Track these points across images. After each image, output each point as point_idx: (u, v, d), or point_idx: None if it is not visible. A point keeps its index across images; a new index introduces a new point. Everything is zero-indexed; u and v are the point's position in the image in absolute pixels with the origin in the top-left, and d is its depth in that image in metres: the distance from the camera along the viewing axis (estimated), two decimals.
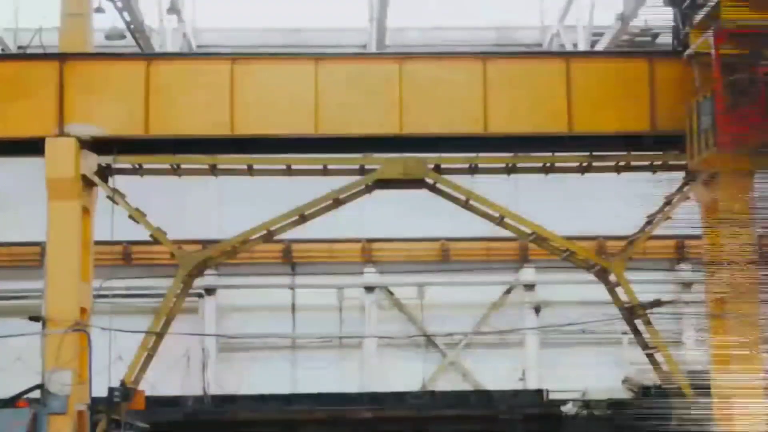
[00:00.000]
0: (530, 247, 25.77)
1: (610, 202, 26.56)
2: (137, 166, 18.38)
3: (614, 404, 22.69)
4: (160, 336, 18.01)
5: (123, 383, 17.56)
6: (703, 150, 16.92)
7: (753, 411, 17.36)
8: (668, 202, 18.63)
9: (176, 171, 18.54)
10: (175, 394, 23.65)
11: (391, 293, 27.79)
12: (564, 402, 22.94)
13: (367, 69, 18.17)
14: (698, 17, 16.67)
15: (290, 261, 27.66)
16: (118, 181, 18.20)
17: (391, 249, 27.56)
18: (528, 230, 18.51)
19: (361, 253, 27.56)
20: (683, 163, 18.60)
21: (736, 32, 16.20)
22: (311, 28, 29.40)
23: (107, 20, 24.99)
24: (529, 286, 27.67)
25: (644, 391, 22.92)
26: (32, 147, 17.71)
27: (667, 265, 27.54)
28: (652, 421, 21.12)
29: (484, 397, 23.09)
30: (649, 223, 18.61)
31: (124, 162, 18.11)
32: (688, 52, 17.13)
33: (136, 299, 26.15)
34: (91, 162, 17.75)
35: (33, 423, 16.74)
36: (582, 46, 27.64)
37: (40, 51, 19.37)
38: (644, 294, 18.54)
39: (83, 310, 17.58)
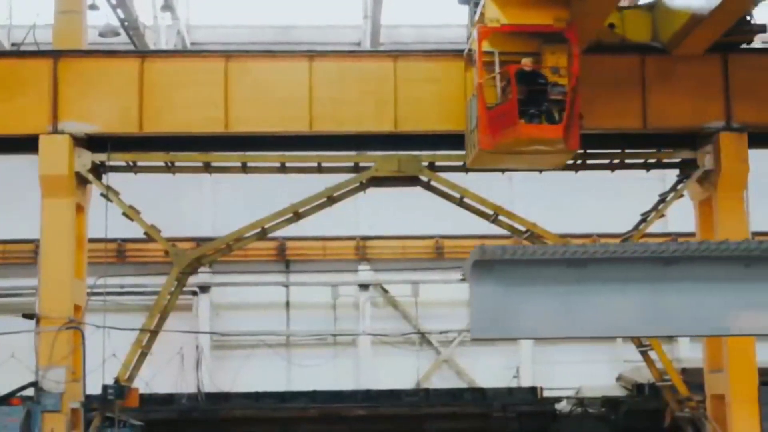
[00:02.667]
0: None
1: (605, 200, 26.63)
2: (131, 164, 18.37)
3: (608, 402, 22.70)
4: (154, 333, 17.99)
5: (117, 381, 17.55)
6: (472, 149, 16.94)
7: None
8: (662, 200, 18.66)
9: (170, 168, 18.52)
10: (170, 392, 23.60)
11: (386, 291, 27.81)
12: (558, 399, 22.95)
13: (362, 66, 18.17)
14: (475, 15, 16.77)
15: (284, 258, 27.66)
16: (112, 179, 18.18)
17: (385, 246, 27.57)
18: (522, 228, 18.52)
19: (356, 250, 27.57)
20: (677, 161, 18.65)
21: (498, 30, 16.21)
22: (305, 26, 29.41)
23: (101, 17, 24.97)
24: None
25: (638, 389, 22.94)
26: (26, 144, 17.69)
27: None
28: (646, 419, 21.23)
29: (478, 394, 23.05)
30: (643, 220, 18.62)
31: (118, 159, 18.09)
32: (466, 50, 17.20)
33: (130, 297, 26.17)
34: (85, 159, 17.74)
35: (27, 420, 16.72)
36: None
37: (34, 48, 19.34)
38: None
39: (77, 308, 17.57)
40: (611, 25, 17.66)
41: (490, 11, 16.22)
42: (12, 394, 17.05)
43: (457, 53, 17.88)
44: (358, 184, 18.46)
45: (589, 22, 16.36)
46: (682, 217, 21.38)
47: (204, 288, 27.48)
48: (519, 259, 13.54)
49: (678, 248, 13.52)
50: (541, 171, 18.51)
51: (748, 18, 17.59)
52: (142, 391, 18.84)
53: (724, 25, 16.96)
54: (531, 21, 16.21)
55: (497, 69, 16.05)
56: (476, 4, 16.67)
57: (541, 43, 16.29)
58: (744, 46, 18.30)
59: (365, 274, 27.66)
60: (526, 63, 16.15)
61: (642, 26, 17.86)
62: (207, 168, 18.62)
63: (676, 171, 18.92)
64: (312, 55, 18.24)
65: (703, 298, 13.42)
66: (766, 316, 13.57)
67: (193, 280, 23.98)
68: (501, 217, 18.60)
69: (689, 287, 13.42)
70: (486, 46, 16.36)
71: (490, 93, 16.21)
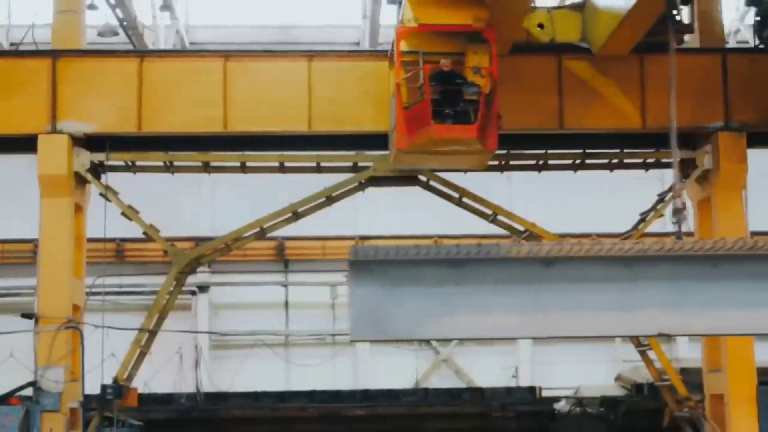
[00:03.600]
0: None
1: (603, 200, 26.64)
2: (130, 163, 18.37)
3: (607, 402, 22.70)
4: (152, 333, 18.00)
5: (116, 380, 17.55)
6: (392, 148, 16.93)
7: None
8: (661, 200, 18.66)
9: (169, 168, 18.52)
10: (168, 392, 23.59)
11: None
12: (557, 399, 22.94)
13: (361, 66, 18.16)
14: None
15: (283, 258, 27.67)
16: (111, 179, 18.18)
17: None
18: (521, 228, 18.53)
19: None
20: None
21: (416, 30, 16.18)
22: (304, 25, 29.43)
23: (100, 17, 24.99)
24: None
25: (637, 389, 22.95)
26: (25, 144, 17.69)
27: None
28: (645, 419, 21.23)
29: (477, 394, 23.02)
30: (642, 220, 18.62)
31: (116, 159, 18.09)
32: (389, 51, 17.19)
33: (129, 296, 26.18)
34: (84, 159, 17.73)
35: (25, 420, 16.71)
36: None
37: (32, 48, 19.33)
38: None
39: (76, 308, 17.56)
40: (540, 25, 17.67)
41: (409, 11, 16.20)
42: (11, 393, 17.04)
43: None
44: (356, 184, 18.46)
45: (507, 22, 16.31)
46: None
47: (203, 288, 27.48)
48: (397, 260, 13.50)
49: (556, 249, 13.44)
50: (465, 171, 18.28)
51: (678, 18, 17.61)
52: (140, 390, 18.85)
53: (644, 26, 16.84)
54: (450, 21, 16.12)
55: (421, 68, 15.89)
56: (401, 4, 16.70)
57: (466, 43, 16.28)
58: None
59: None
60: (445, 63, 16.12)
61: (571, 26, 17.82)
62: (206, 168, 18.62)
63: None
64: (311, 55, 18.23)
65: (583, 298, 13.35)
66: (647, 317, 13.49)
67: (192, 279, 23.99)
68: (500, 217, 18.62)
69: (570, 288, 13.34)
70: (410, 46, 16.34)
71: (413, 93, 16.14)
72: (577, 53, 17.90)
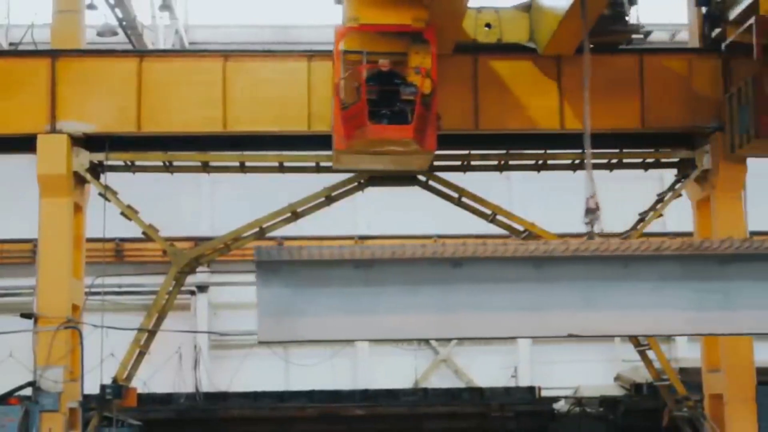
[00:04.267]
0: None
1: (603, 200, 26.60)
2: (129, 163, 18.37)
3: (606, 401, 22.71)
4: (152, 333, 18.00)
5: (115, 380, 17.55)
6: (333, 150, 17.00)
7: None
8: (660, 200, 18.66)
9: (168, 168, 18.52)
10: (168, 392, 23.61)
11: None
12: (556, 399, 22.95)
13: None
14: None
15: None
16: (110, 178, 18.18)
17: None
18: (520, 227, 18.53)
19: None
20: (675, 160, 18.66)
21: (357, 29, 16.28)
22: (304, 25, 29.40)
23: (99, 17, 24.99)
24: None
25: (636, 388, 22.95)
26: (24, 144, 17.68)
27: None
28: (644, 419, 21.23)
29: (476, 394, 23.04)
30: (641, 220, 18.62)
31: (116, 159, 18.09)
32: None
33: (128, 296, 26.16)
34: (83, 159, 17.73)
35: (25, 420, 16.71)
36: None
37: (32, 48, 19.34)
38: None
39: (75, 307, 17.56)
40: (488, 25, 17.69)
41: (349, 10, 16.26)
42: (10, 393, 17.04)
43: (457, 53, 17.90)
44: (356, 184, 18.45)
45: (446, 22, 16.31)
46: (680, 216, 21.42)
47: (202, 287, 27.48)
48: (305, 261, 13.43)
49: (462, 249, 13.37)
50: (413, 171, 18.37)
51: (627, 18, 17.63)
52: (140, 390, 18.85)
53: (578, 27, 16.77)
54: (390, 21, 16.20)
55: (357, 68, 15.99)
56: None
57: (410, 43, 16.28)
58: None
59: None
60: (383, 63, 16.19)
61: (519, 26, 17.88)
62: (205, 168, 18.62)
63: (674, 171, 18.93)
64: (311, 54, 18.22)
65: (492, 299, 13.27)
66: (557, 318, 13.41)
67: (192, 279, 24.00)
68: (499, 217, 18.62)
69: (478, 288, 13.27)
70: (355, 46, 16.42)
71: (352, 93, 16.23)
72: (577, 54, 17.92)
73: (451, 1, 16.02)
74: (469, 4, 16.81)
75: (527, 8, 17.84)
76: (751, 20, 16.45)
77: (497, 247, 13.33)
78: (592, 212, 15.17)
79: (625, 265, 13.37)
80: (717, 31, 17.83)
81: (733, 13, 17.13)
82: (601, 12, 16.76)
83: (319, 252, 13.73)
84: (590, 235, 14.93)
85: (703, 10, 18.19)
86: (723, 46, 17.68)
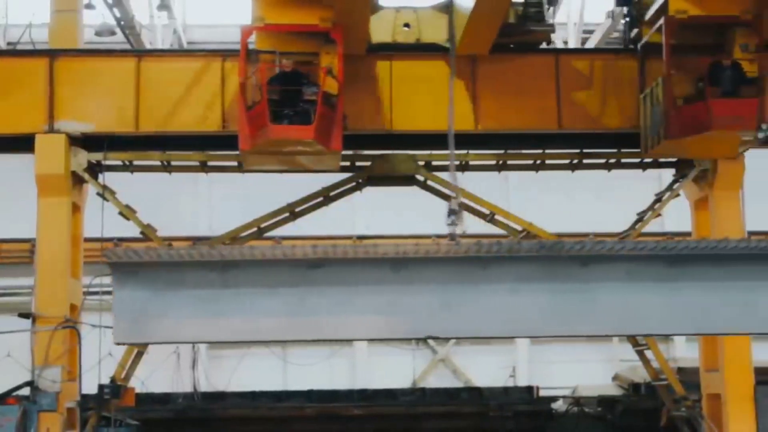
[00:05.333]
0: None
1: (601, 199, 26.66)
2: (127, 163, 18.35)
3: (604, 401, 22.71)
4: None
5: (113, 380, 17.54)
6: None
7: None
8: (658, 199, 18.67)
9: (167, 168, 18.51)
10: (166, 391, 23.59)
11: None
12: (554, 399, 22.96)
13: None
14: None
15: None
16: (108, 178, 18.16)
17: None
18: (518, 227, 18.53)
19: None
20: (673, 160, 18.66)
21: (262, 29, 16.39)
22: None
23: (97, 16, 24.99)
24: None
25: (634, 388, 22.95)
26: (22, 143, 17.67)
27: None
28: (642, 418, 21.23)
29: (474, 394, 23.05)
30: (639, 220, 18.62)
31: (114, 159, 18.08)
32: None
33: None
34: (81, 159, 17.72)
35: (22, 420, 16.70)
36: (572, 44, 27.68)
37: (30, 47, 19.32)
38: None
39: (73, 307, 17.55)
40: (406, 25, 17.70)
41: (256, 10, 16.27)
42: (8, 393, 17.03)
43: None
44: (354, 184, 18.46)
45: (351, 21, 16.30)
46: (678, 216, 21.42)
47: None
48: (161, 262, 13.32)
49: (321, 251, 13.26)
50: (315, 171, 18.25)
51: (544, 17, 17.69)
52: (138, 390, 18.80)
53: (491, 26, 16.86)
54: (296, 21, 16.19)
55: (265, 67, 16.02)
56: None
57: (321, 43, 16.31)
58: None
59: None
60: (286, 64, 16.21)
61: (437, 26, 17.82)
62: (203, 167, 18.61)
63: (673, 170, 18.93)
64: None
65: (351, 301, 13.16)
66: (416, 320, 13.27)
67: None
68: (497, 217, 18.62)
69: (337, 291, 13.16)
70: (267, 46, 16.47)
71: (257, 93, 16.25)
72: (576, 53, 17.96)
73: (353, 0, 15.99)
74: (389, 4, 16.84)
75: (446, 8, 17.79)
76: (662, 20, 16.51)
77: (351, 249, 13.21)
78: (455, 213, 15.09)
79: (484, 267, 13.20)
80: (635, 31, 17.84)
81: (648, 14, 17.18)
82: (504, 12, 16.69)
83: (174, 254, 13.56)
84: (452, 237, 14.89)
85: (624, 10, 18.17)
86: (638, 46, 17.69)
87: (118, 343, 14.36)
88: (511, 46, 17.93)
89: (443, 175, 18.37)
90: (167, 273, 13.44)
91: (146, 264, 13.37)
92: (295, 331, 13.63)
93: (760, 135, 16.21)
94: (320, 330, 13.56)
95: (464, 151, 18.38)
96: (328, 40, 16.24)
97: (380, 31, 17.84)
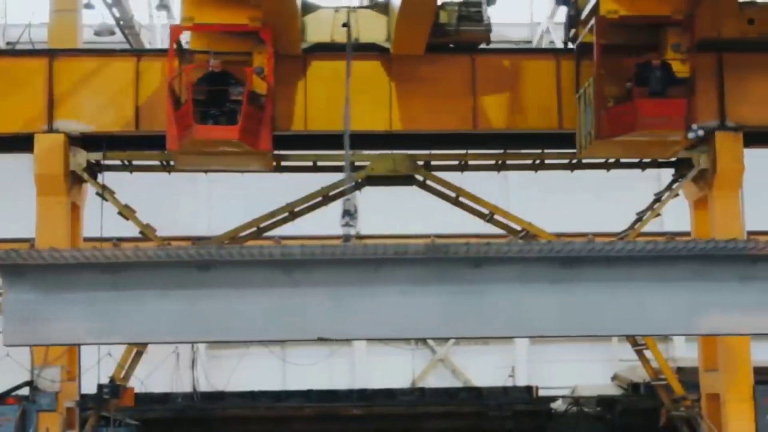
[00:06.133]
0: None
1: (600, 199, 26.65)
2: (126, 163, 18.35)
3: (604, 401, 22.71)
4: None
5: (112, 380, 17.53)
6: None
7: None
8: (658, 199, 18.67)
9: (166, 167, 18.49)
10: (165, 391, 23.59)
11: None
12: (553, 399, 22.96)
13: (357, 66, 18.11)
14: None
15: None
16: (107, 178, 18.16)
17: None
18: (518, 227, 18.54)
19: None
20: (673, 160, 18.66)
21: (192, 29, 16.46)
22: None
23: (97, 16, 24.96)
24: None
25: (633, 388, 22.96)
26: (22, 143, 17.67)
27: None
28: (641, 418, 21.23)
29: (473, 393, 23.06)
30: (638, 220, 18.63)
31: (113, 158, 18.08)
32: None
33: None
34: (80, 158, 17.71)
35: (22, 420, 16.70)
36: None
37: (29, 47, 19.32)
38: None
39: None
40: (345, 25, 17.70)
41: (185, 10, 16.30)
42: (7, 393, 17.04)
43: (451, 52, 17.91)
44: (353, 184, 18.45)
45: (278, 21, 16.33)
46: (678, 216, 21.42)
47: None
48: (52, 264, 13.21)
49: (213, 252, 13.16)
50: (243, 172, 18.53)
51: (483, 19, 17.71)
52: (137, 390, 18.82)
53: (420, 26, 16.83)
54: (225, 20, 16.23)
55: (190, 67, 16.08)
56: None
57: (255, 43, 16.33)
58: None
59: None
60: (215, 64, 16.20)
61: (376, 26, 17.84)
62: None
63: (672, 170, 18.93)
64: (307, 54, 18.17)
65: (242, 303, 13.06)
66: (308, 321, 13.16)
67: None
68: (496, 217, 18.63)
69: (227, 293, 13.06)
70: (201, 46, 16.53)
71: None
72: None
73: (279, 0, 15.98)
74: (328, 4, 16.85)
75: (384, 7, 17.80)
76: (593, 21, 16.54)
77: (238, 250, 13.13)
78: (349, 215, 15.06)
79: (376, 269, 13.12)
80: (573, 31, 17.85)
81: (583, 14, 17.20)
82: (431, 12, 16.60)
83: (59, 256, 13.43)
84: (347, 238, 14.87)
85: (565, 10, 18.16)
86: (574, 46, 17.69)
87: (8, 345, 14.26)
88: (451, 46, 17.89)
89: (442, 175, 18.38)
90: (56, 275, 13.31)
91: (32, 266, 13.24)
92: (186, 333, 13.53)
93: (690, 135, 16.20)
94: (210, 332, 13.44)
95: (463, 151, 18.36)
96: (260, 40, 16.25)
97: (319, 31, 17.82)
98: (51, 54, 17.93)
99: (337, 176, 18.43)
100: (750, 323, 12.69)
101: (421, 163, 18.29)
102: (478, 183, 19.15)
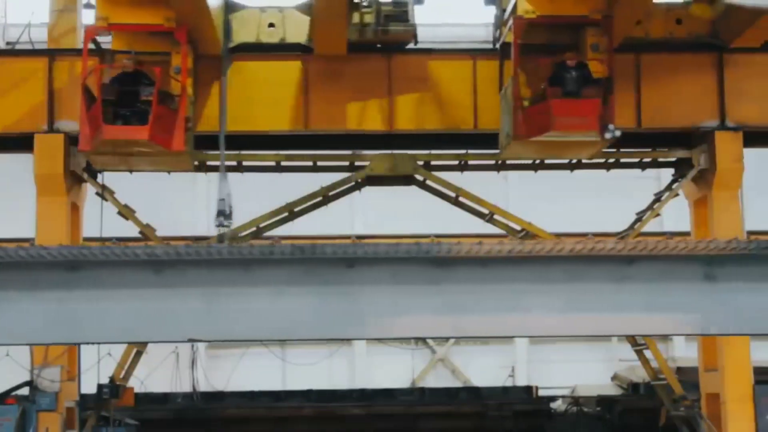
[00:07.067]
0: None
1: (600, 199, 26.66)
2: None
3: (603, 401, 22.73)
4: None
5: (112, 380, 17.53)
6: None
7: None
8: (657, 199, 18.67)
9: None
10: (165, 391, 23.60)
11: None
12: (553, 399, 22.98)
13: (356, 66, 18.14)
14: None
15: None
16: (107, 178, 18.16)
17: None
18: (518, 227, 18.54)
19: None
20: (672, 159, 18.67)
21: (105, 29, 16.43)
22: None
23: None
24: None
25: (633, 388, 22.97)
26: (21, 143, 17.66)
27: None
28: (641, 418, 21.24)
29: (473, 393, 23.07)
30: (638, 220, 18.63)
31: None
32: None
33: None
34: (80, 158, 17.69)
35: (21, 420, 16.70)
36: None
37: (29, 47, 19.30)
38: None
39: None
40: (271, 25, 17.70)
41: (99, 10, 16.27)
42: (7, 393, 17.04)
43: (455, 52, 17.91)
44: (353, 183, 18.46)
45: (191, 21, 16.28)
46: (677, 216, 21.43)
47: None
48: None
49: (81, 252, 12.98)
50: (169, 172, 18.45)
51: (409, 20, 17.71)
52: (137, 390, 18.82)
53: (335, 26, 16.85)
54: (141, 20, 16.21)
55: (99, 68, 16.05)
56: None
57: (174, 43, 16.33)
58: None
59: None
60: (127, 64, 16.19)
61: (301, 26, 17.81)
62: (202, 167, 18.60)
63: (672, 170, 18.93)
64: (307, 54, 18.18)
65: (111, 305, 12.95)
66: (178, 323, 12.97)
67: None
68: (496, 217, 18.63)
69: (96, 294, 12.92)
70: (123, 46, 16.54)
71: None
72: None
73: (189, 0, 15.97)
74: (254, 4, 16.96)
75: (309, 8, 17.76)
76: (511, 21, 16.51)
77: (107, 251, 12.97)
78: (223, 215, 15.00)
79: (246, 269, 13.03)
80: (498, 31, 17.84)
81: (506, 14, 17.19)
82: (343, 11, 16.56)
83: None
84: (221, 238, 14.81)
85: (494, 9, 18.13)
86: (498, 45, 17.66)
87: None
88: (378, 46, 17.88)
89: (442, 175, 18.39)
90: None
91: None
92: (56, 334, 13.36)
93: (607, 136, 16.06)
94: (82, 333, 13.26)
95: (463, 151, 18.36)
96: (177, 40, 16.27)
97: (245, 31, 17.77)
98: (51, 54, 17.91)
99: (337, 176, 18.46)
100: (624, 325, 12.53)
101: (421, 163, 18.29)
102: (477, 183, 19.14)
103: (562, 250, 11.91)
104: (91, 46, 16.68)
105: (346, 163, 18.58)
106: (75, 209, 17.94)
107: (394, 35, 17.61)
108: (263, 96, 17.82)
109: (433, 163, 18.37)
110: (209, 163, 18.51)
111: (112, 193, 18.06)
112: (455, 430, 22.17)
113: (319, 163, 18.45)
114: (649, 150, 18.63)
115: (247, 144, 18.24)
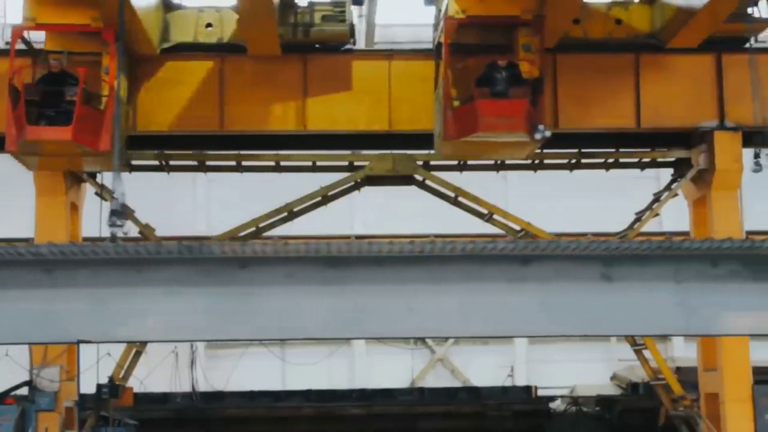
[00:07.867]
0: None
1: (599, 199, 26.64)
2: (125, 163, 18.32)
3: (603, 401, 22.72)
4: None
5: (111, 380, 17.54)
6: None
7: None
8: (657, 199, 18.68)
9: (164, 167, 18.49)
10: (164, 391, 23.59)
11: None
12: (552, 398, 22.98)
13: (356, 66, 18.14)
14: None
15: None
16: (106, 178, 18.15)
17: None
18: (517, 227, 18.54)
19: None
20: (671, 160, 18.67)
21: (33, 29, 16.37)
22: None
23: None
24: None
25: (632, 388, 22.97)
26: None
27: None
28: (640, 418, 21.24)
29: (472, 393, 23.06)
30: (637, 219, 18.64)
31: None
32: None
33: None
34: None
35: (21, 420, 16.70)
36: None
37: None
38: None
39: None
40: (209, 25, 17.75)
41: (26, 10, 16.22)
42: (6, 393, 17.05)
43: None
44: (352, 183, 18.47)
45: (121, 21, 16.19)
46: (677, 216, 21.43)
47: None
48: None
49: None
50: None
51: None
52: (136, 390, 18.84)
53: (264, 26, 16.81)
54: (68, 20, 16.19)
55: (22, 67, 16.01)
56: None
57: (105, 43, 16.26)
58: None
59: None
60: (54, 65, 16.16)
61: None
62: (201, 167, 18.61)
63: (671, 170, 18.94)
64: (306, 54, 18.18)
65: (2, 305, 12.85)
66: (67, 324, 12.92)
67: None
68: (496, 217, 18.64)
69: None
70: (57, 46, 16.50)
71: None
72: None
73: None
74: (192, 4, 17.02)
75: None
76: (443, 22, 16.49)
77: (0, 250, 13.00)
78: (116, 214, 14.93)
79: (138, 270, 12.95)
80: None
81: (440, 14, 17.14)
82: (268, 12, 16.49)
83: None
84: (113, 238, 14.76)
85: (434, 10, 18.12)
86: (433, 47, 17.58)
87: None
88: (317, 46, 17.89)
89: (441, 175, 18.39)
90: None
91: None
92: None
93: (537, 137, 15.99)
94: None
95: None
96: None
97: (182, 30, 17.79)
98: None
99: (337, 176, 18.47)
100: (518, 325, 12.41)
101: (420, 162, 18.29)
102: (477, 183, 19.15)
103: (454, 249, 11.79)
104: (23, 46, 16.59)
105: (346, 163, 18.58)
106: (74, 209, 17.93)
107: (330, 35, 17.59)
108: (182, 96, 17.76)
109: (432, 163, 18.38)
110: (209, 163, 18.53)
111: (111, 192, 18.04)
112: (455, 430, 22.16)
113: (319, 163, 18.45)
114: (649, 150, 18.64)
115: (166, 143, 18.25)
